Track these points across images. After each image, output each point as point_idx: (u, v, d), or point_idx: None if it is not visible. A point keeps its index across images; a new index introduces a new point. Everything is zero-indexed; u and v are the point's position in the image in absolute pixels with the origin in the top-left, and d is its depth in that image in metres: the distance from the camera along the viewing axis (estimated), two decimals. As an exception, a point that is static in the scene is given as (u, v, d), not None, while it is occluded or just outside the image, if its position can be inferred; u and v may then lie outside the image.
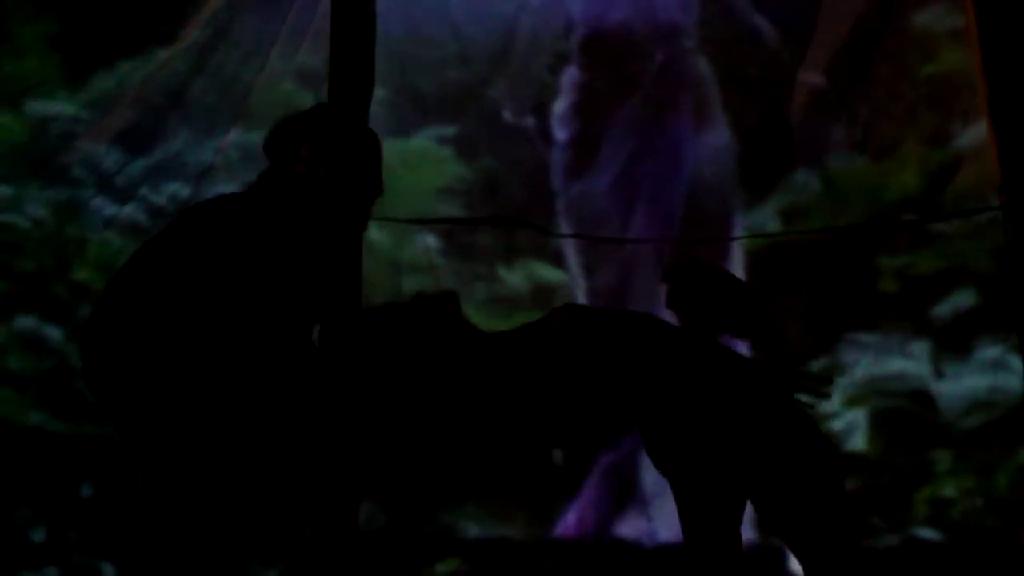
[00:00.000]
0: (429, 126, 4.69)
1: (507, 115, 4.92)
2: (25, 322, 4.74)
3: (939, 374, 4.55)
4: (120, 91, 4.60)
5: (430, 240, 4.45)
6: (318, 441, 2.97)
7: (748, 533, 3.24)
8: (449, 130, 4.79)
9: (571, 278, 4.68)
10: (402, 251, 4.37)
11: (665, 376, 3.15)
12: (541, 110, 4.93)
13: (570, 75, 4.98)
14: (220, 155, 4.51)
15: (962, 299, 4.55)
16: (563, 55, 4.96)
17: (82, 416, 4.68)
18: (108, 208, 4.74)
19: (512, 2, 4.88)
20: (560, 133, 4.97)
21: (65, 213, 4.73)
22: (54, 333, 4.74)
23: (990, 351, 4.48)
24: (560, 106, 4.98)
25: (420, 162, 4.69)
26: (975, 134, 4.25)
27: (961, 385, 4.51)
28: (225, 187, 4.39)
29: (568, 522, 4.64)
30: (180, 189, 4.53)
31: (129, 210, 4.70)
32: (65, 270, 4.71)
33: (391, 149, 4.20)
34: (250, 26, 4.52)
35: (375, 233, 3.70)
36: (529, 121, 4.93)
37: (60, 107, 4.77)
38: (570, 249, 4.75)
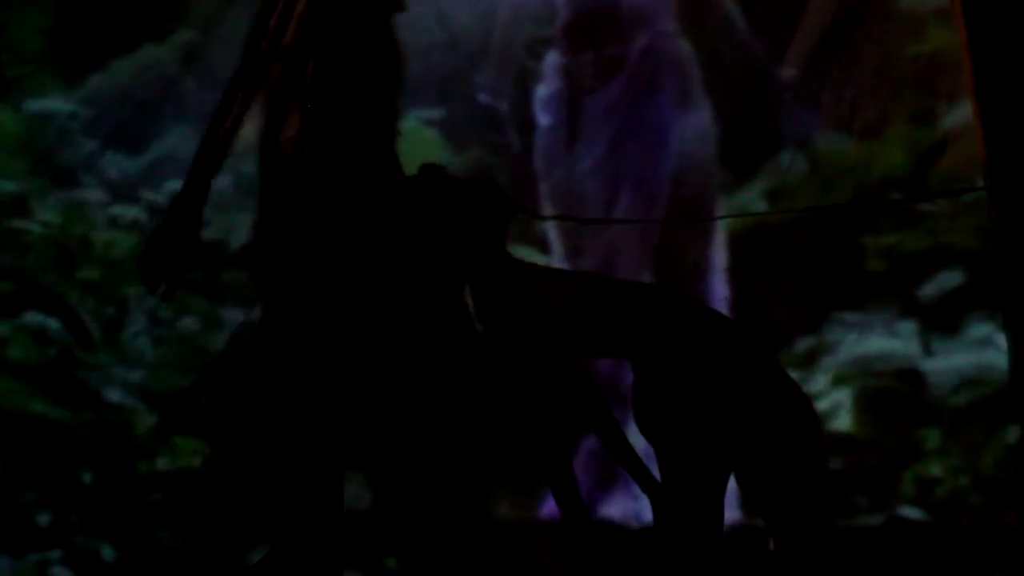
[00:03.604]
0: (415, 107, 4.68)
1: (491, 100, 4.92)
2: (33, 317, 4.80)
3: (927, 352, 4.56)
4: (114, 87, 4.61)
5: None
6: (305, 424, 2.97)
7: (732, 512, 3.24)
8: (435, 112, 4.79)
9: (557, 263, 4.67)
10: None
11: (655, 340, 3.15)
12: (524, 95, 4.94)
13: (553, 59, 4.98)
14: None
15: (949, 278, 4.55)
16: (545, 39, 4.96)
17: (82, 404, 4.74)
18: (110, 208, 4.81)
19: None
20: (543, 117, 4.97)
21: (70, 213, 4.78)
22: (55, 325, 4.80)
23: (978, 329, 4.48)
24: (543, 90, 4.98)
25: (405, 143, 4.67)
26: (962, 113, 4.24)
27: (949, 363, 4.50)
28: (219, 179, 4.42)
29: (555, 503, 4.63)
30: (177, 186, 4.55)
31: (131, 210, 4.76)
32: (71, 268, 4.78)
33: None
34: (239, 18, 4.52)
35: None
36: (513, 106, 4.94)
37: (57, 104, 4.81)
38: (555, 234, 4.75)
